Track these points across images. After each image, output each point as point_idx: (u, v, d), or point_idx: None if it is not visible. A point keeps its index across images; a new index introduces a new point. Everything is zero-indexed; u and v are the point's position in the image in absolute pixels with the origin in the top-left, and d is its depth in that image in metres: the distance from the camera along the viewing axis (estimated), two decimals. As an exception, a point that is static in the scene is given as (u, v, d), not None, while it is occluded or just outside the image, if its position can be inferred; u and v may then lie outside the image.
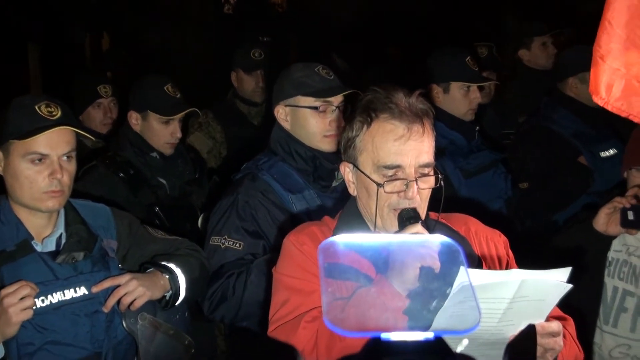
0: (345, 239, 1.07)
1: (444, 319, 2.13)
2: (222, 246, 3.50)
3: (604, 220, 3.72)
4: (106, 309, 2.98)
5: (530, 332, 1.10)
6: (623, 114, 2.74)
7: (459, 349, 1.04)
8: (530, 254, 2.90)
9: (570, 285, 2.18)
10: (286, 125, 3.71)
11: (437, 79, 4.67)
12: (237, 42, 6.80)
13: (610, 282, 3.92)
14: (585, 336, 3.85)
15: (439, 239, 1.13)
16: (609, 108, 2.75)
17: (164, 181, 4.35)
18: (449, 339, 2.08)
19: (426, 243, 1.11)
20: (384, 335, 1.00)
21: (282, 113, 3.71)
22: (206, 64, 8.43)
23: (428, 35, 8.14)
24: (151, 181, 4.30)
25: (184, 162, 4.51)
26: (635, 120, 2.75)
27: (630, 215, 3.63)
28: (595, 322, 3.93)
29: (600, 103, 2.76)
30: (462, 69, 4.60)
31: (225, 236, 3.51)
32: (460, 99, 4.61)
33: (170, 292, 3.16)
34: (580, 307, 3.85)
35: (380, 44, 8.52)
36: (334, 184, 3.71)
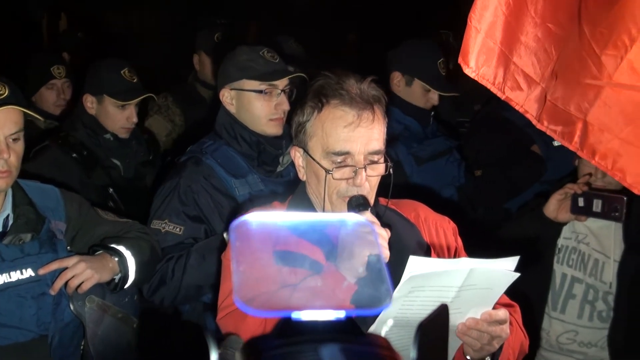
0: (257, 218, 1.07)
1: (393, 309, 2.15)
2: (163, 230, 3.49)
3: (555, 206, 3.78)
4: (53, 291, 2.94)
5: (441, 312, 1.11)
6: (488, 85, 2.82)
7: (384, 331, 1.05)
8: (482, 242, 2.93)
9: (517, 274, 2.21)
10: (232, 108, 3.70)
11: (402, 69, 4.65)
12: (197, 24, 6.74)
13: (559, 269, 3.98)
14: (534, 322, 3.91)
15: (353, 218, 1.14)
16: (477, 79, 2.81)
17: (118, 162, 4.33)
18: (377, 323, 2.09)
19: (341, 222, 1.11)
20: (295, 315, 1.01)
21: (227, 97, 3.70)
22: (167, 46, 8.36)
23: (387, 23, 8.14)
24: (105, 162, 4.27)
25: (138, 143, 4.48)
26: (494, 90, 2.83)
27: (581, 202, 3.69)
28: (543, 308, 3.99)
29: (469, 73, 2.81)
30: (431, 70, 4.58)
31: (166, 220, 3.50)
32: (419, 96, 4.61)
33: (119, 274, 3.14)
34: (529, 294, 3.92)
35: (340, 30, 8.53)
36: (279, 169, 3.72)
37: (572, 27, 2.73)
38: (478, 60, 2.78)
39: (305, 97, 2.55)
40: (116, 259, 3.12)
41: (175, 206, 3.50)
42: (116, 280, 3.14)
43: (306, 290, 1.07)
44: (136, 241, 3.26)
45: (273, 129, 3.66)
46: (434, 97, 4.60)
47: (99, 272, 3.03)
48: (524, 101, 2.85)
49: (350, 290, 1.12)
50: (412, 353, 1.04)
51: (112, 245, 3.17)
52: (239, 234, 1.06)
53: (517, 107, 2.87)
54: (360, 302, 1.07)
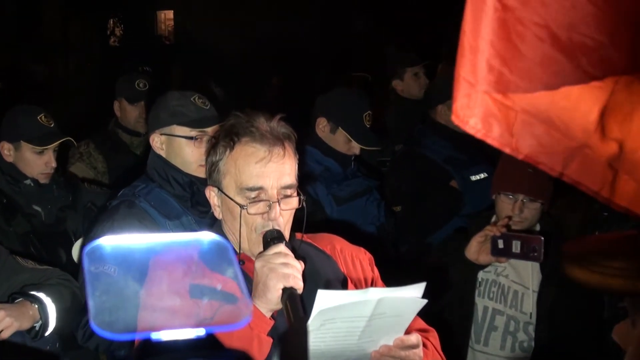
0: (111, 242, 1.09)
1: None
2: (93, 277, 3.43)
3: (476, 249, 3.84)
4: (-28, 341, 2.91)
5: (300, 326, 1.15)
6: (479, 135, 2.61)
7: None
8: (404, 277, 2.98)
9: (425, 301, 2.26)
10: (162, 153, 3.68)
11: (329, 116, 4.64)
12: (121, 73, 6.74)
13: (481, 302, 4.05)
14: (458, 356, 3.97)
15: (208, 237, 1.16)
16: (468, 130, 2.65)
17: (39, 209, 4.27)
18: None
19: (194, 242, 1.13)
20: (154, 336, 1.02)
21: (157, 141, 3.68)
22: (90, 95, 8.34)
23: (310, 66, 8.26)
24: (25, 209, 4.21)
25: (58, 188, 4.43)
26: (489, 141, 2.63)
27: (500, 244, 3.77)
28: (467, 342, 4.05)
29: (473, 133, 2.64)
30: (356, 122, 4.60)
31: None
32: (342, 144, 4.62)
33: (40, 322, 3.11)
34: (453, 328, 3.98)
35: (264, 74, 8.62)
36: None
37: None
38: (468, 111, 2.33)
39: (217, 137, 2.60)
40: (36, 306, 3.09)
41: None
42: (37, 328, 3.11)
43: (165, 311, 1.08)
44: (57, 287, 3.24)
45: (204, 174, 3.64)
46: (356, 147, 4.64)
47: (19, 319, 2.99)
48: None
49: (211, 307, 1.14)
50: None
51: (32, 293, 3.14)
52: (93, 259, 1.07)
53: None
54: (220, 318, 1.09)
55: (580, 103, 2.35)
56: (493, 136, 2.42)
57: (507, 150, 2.40)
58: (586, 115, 2.32)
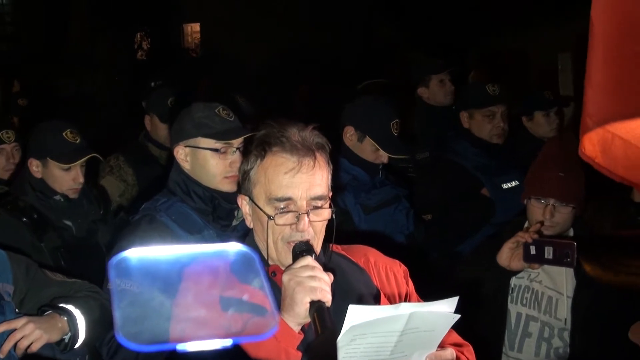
0: (137, 254, 1.08)
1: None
2: (119, 289, 3.42)
3: (508, 255, 3.81)
4: (2, 354, 2.91)
5: (330, 337, 1.12)
6: (606, 173, 2.47)
7: None
8: (436, 287, 2.94)
9: (458, 316, 2.23)
10: (186, 165, 3.68)
11: (356, 125, 4.64)
12: (149, 87, 6.77)
13: (514, 309, 4.01)
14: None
15: (234, 248, 1.14)
16: (597, 167, 2.53)
17: (69, 223, 4.29)
18: None
19: (221, 253, 1.12)
20: (180, 347, 1.00)
21: (181, 153, 3.68)
22: (119, 109, 8.39)
23: (335, 73, 8.27)
24: (57, 224, 4.24)
25: (89, 202, 4.45)
26: (617, 179, 2.45)
27: (532, 250, 3.73)
28: (500, 348, 4.00)
29: (588, 162, 2.56)
30: (384, 131, 4.59)
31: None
32: (369, 152, 4.61)
33: (69, 334, 3.11)
34: (486, 335, 3.93)
35: (291, 84, 8.63)
36: (234, 223, 3.69)
37: None
38: (596, 148, 2.32)
39: (249, 147, 2.58)
40: (65, 318, 3.10)
41: None
42: (66, 340, 3.11)
43: (191, 322, 1.06)
44: (85, 300, 3.24)
45: (227, 186, 3.64)
46: (384, 155, 4.61)
47: (48, 332, 3.00)
48: None
49: (237, 319, 1.12)
50: None
51: (61, 305, 3.15)
52: (119, 271, 1.06)
53: None
54: (247, 329, 1.07)
55: None
56: (619, 173, 2.33)
57: (607, 174, 2.32)
58: None
